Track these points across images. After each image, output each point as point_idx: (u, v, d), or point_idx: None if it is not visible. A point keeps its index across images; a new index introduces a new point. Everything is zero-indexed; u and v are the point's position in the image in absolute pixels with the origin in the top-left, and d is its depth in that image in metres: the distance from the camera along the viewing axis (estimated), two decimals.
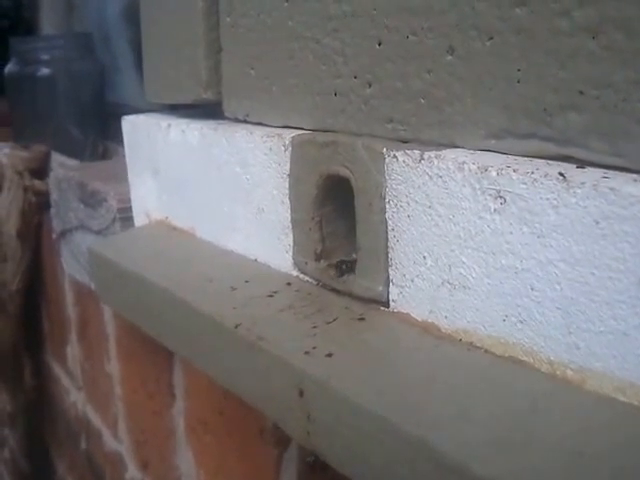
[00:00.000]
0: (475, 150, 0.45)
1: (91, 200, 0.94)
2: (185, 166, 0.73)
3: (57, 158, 1.39)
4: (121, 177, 0.87)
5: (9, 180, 1.30)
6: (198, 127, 0.70)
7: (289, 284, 0.60)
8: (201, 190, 0.71)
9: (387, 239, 0.50)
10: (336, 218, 0.56)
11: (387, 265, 0.50)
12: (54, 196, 1.09)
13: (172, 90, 0.77)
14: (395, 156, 0.48)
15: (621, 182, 0.36)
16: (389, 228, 0.50)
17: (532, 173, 0.39)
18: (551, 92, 0.40)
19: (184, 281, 0.65)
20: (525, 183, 0.40)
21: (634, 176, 0.37)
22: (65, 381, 1.37)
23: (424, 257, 0.47)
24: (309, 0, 0.57)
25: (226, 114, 0.70)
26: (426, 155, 0.46)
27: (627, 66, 0.36)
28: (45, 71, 1.57)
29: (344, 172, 0.52)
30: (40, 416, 1.53)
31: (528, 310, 0.41)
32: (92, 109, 1.60)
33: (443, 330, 0.47)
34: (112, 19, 1.58)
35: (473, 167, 0.43)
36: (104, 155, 1.53)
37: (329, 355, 0.48)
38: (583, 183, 0.37)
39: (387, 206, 0.49)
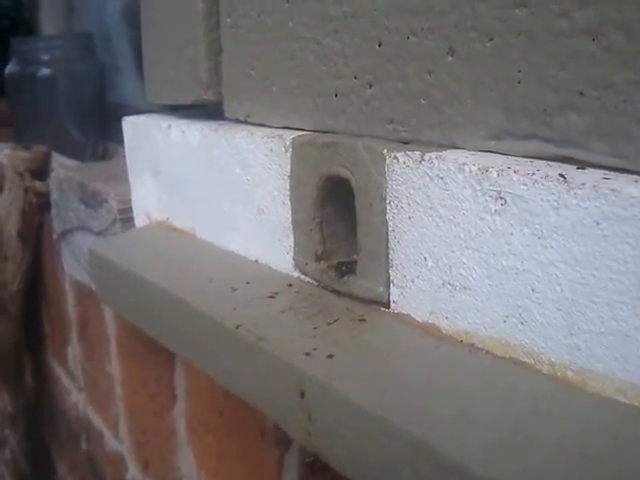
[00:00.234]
0: (475, 151, 0.45)
1: (92, 201, 0.94)
2: (185, 167, 0.73)
3: (57, 159, 1.39)
4: (122, 178, 0.87)
5: (10, 181, 1.30)
6: (198, 128, 0.70)
7: (290, 285, 0.60)
8: (201, 191, 0.71)
9: (388, 240, 0.50)
10: (337, 219, 0.56)
11: (388, 266, 0.50)
12: (55, 197, 1.09)
13: (172, 91, 0.77)
14: (396, 157, 0.48)
15: (622, 183, 0.36)
16: (390, 229, 0.50)
17: (533, 174, 0.39)
18: (551, 93, 0.40)
19: (185, 282, 0.65)
20: (526, 184, 0.40)
21: (634, 177, 0.37)
22: (66, 382, 1.37)
23: (425, 258, 0.47)
24: (309, 1, 0.57)
25: (227, 115, 0.70)
26: (427, 156, 0.46)
27: (627, 67, 0.36)
28: (45, 71, 1.57)
29: (345, 173, 0.52)
30: (41, 417, 1.53)
31: (529, 311, 0.41)
32: (92, 109, 1.60)
33: (444, 331, 0.47)
34: (112, 19, 1.58)
35: (474, 168, 0.43)
36: (104, 155, 1.53)
37: (330, 356, 0.48)
38: (583, 184, 0.37)
39: (388, 207, 0.49)
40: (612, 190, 0.36)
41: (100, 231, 0.92)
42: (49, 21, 2.00)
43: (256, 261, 0.65)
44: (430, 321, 0.48)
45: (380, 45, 0.51)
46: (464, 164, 0.43)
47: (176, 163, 0.74)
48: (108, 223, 0.90)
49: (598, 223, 0.37)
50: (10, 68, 1.62)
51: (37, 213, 1.31)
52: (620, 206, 0.35)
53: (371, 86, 0.53)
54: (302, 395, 0.47)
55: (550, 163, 0.41)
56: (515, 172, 0.40)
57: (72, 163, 1.33)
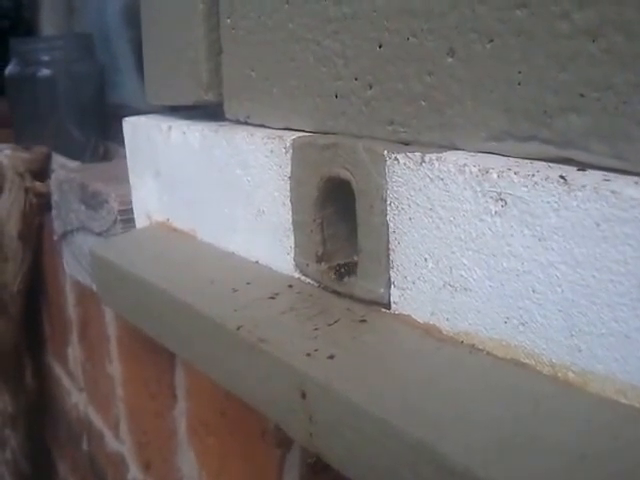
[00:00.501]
0: (476, 152, 0.46)
1: (92, 201, 0.94)
2: (186, 168, 0.73)
3: (58, 159, 1.39)
4: (122, 178, 0.87)
5: (10, 181, 1.30)
6: (199, 129, 0.70)
7: (290, 286, 0.60)
8: (202, 192, 0.71)
9: (388, 241, 0.50)
10: (337, 220, 0.56)
11: (388, 267, 0.50)
12: (55, 197, 1.09)
13: (173, 92, 0.77)
14: (396, 158, 0.48)
15: (622, 185, 0.36)
16: (390, 230, 0.50)
17: (533, 176, 0.39)
18: (551, 94, 0.40)
19: (185, 283, 0.65)
20: (526, 186, 0.40)
21: (635, 178, 0.37)
22: (66, 382, 1.37)
23: (425, 259, 0.47)
24: (309, 2, 0.57)
25: (227, 116, 0.71)
26: (427, 157, 0.46)
27: (627, 69, 0.37)
28: (45, 72, 1.57)
29: (345, 174, 0.52)
30: (41, 417, 1.53)
31: (529, 312, 0.41)
32: (93, 110, 1.60)
33: (444, 332, 0.47)
34: (112, 19, 1.58)
35: (474, 169, 0.43)
36: (105, 156, 1.53)
37: (331, 357, 0.48)
38: (584, 186, 0.37)
39: (388, 208, 0.49)
40: (612, 192, 0.36)
41: (101, 232, 0.92)
42: (49, 21, 2.00)
43: (257, 262, 0.65)
44: (431, 322, 0.48)
45: (380, 46, 0.51)
46: (464, 165, 0.43)
47: (176, 164, 0.74)
48: (109, 224, 0.90)
49: (598, 224, 0.37)
50: (10, 69, 1.62)
51: (37, 214, 1.31)
52: (620, 208, 0.35)
53: (371, 87, 0.53)
54: (303, 396, 0.47)
55: (550, 164, 0.41)
56: (515, 173, 0.40)
57: (72, 164, 1.33)
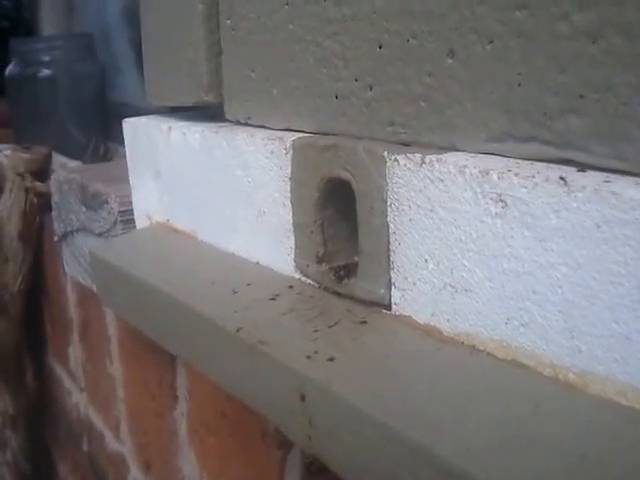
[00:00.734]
0: (476, 153, 0.45)
1: (92, 202, 0.94)
2: (186, 169, 0.73)
3: (58, 159, 1.39)
4: (122, 179, 0.87)
5: (10, 181, 1.30)
6: (199, 130, 0.70)
7: (291, 287, 0.60)
8: (202, 193, 0.71)
9: (389, 242, 0.50)
10: (338, 221, 0.56)
11: (389, 268, 0.50)
12: (55, 198, 1.09)
13: (173, 92, 0.77)
14: (396, 159, 0.48)
15: (622, 186, 0.36)
16: (391, 231, 0.50)
17: (533, 177, 0.39)
18: (551, 95, 0.40)
19: (185, 284, 0.65)
20: (526, 187, 0.40)
21: (635, 179, 0.37)
22: (67, 383, 1.37)
23: (426, 260, 0.47)
24: (309, 3, 0.57)
25: (227, 116, 0.71)
26: (427, 159, 0.46)
27: (627, 70, 0.36)
28: (46, 72, 1.58)
29: (345, 175, 0.52)
30: (42, 418, 1.53)
31: (530, 313, 0.41)
32: (93, 110, 1.60)
33: (445, 333, 0.47)
34: (112, 19, 1.58)
35: (474, 171, 0.43)
36: (105, 156, 1.53)
37: (331, 359, 0.48)
38: (584, 187, 0.37)
39: (389, 209, 0.49)
40: (613, 193, 0.36)
41: (101, 232, 0.92)
42: (49, 21, 2.00)
43: (257, 263, 0.65)
44: (431, 323, 0.48)
45: (380, 47, 0.51)
46: (464, 167, 0.43)
47: (177, 165, 0.74)
48: (109, 225, 0.90)
49: (599, 226, 0.37)
50: (10, 69, 1.62)
51: (38, 214, 1.31)
52: (621, 209, 0.35)
53: (371, 88, 0.53)
54: (303, 398, 0.47)
55: (550, 166, 0.41)
56: (515, 175, 0.40)
57: (73, 164, 1.33)
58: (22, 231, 1.31)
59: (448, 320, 0.47)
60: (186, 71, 0.73)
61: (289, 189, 0.59)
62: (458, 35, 0.45)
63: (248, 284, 0.62)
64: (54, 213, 1.11)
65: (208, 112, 0.76)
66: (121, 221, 0.88)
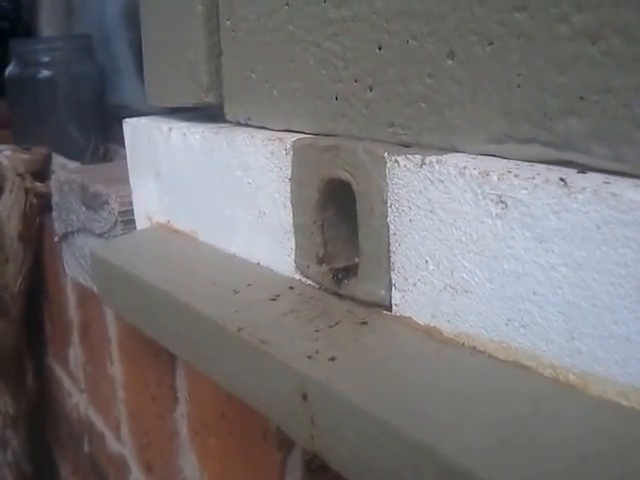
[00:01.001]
0: (476, 155, 0.46)
1: (93, 203, 0.94)
2: (186, 169, 0.73)
3: (58, 160, 1.39)
4: (123, 179, 0.87)
5: (10, 182, 1.30)
6: (199, 130, 0.70)
7: (291, 288, 0.60)
8: (203, 193, 0.71)
9: (389, 243, 0.50)
10: (338, 222, 0.56)
11: (389, 269, 0.50)
12: (55, 198, 1.09)
13: (173, 93, 0.77)
14: (396, 160, 0.48)
15: (622, 187, 0.36)
16: (391, 232, 0.50)
17: (533, 178, 0.39)
18: (551, 97, 0.41)
19: (186, 284, 0.65)
20: (526, 188, 0.40)
21: (635, 181, 0.37)
22: (67, 383, 1.37)
23: (426, 261, 0.47)
24: (309, 4, 0.57)
25: (227, 117, 0.71)
26: (427, 160, 0.46)
27: (627, 72, 0.37)
28: (45, 73, 1.58)
29: (345, 176, 0.52)
30: (43, 419, 1.53)
31: (530, 314, 0.41)
32: (93, 111, 1.61)
33: (445, 334, 0.47)
34: (112, 20, 1.58)
35: (474, 172, 0.43)
36: (105, 157, 1.53)
37: (332, 359, 0.48)
38: (584, 188, 0.37)
39: (389, 210, 0.49)
40: (613, 194, 0.36)
41: (101, 233, 0.93)
42: (48, 22, 2.00)
43: (258, 264, 0.66)
44: (432, 324, 0.48)
45: (380, 48, 0.51)
46: (465, 168, 0.43)
47: (177, 165, 0.75)
48: (109, 225, 0.90)
49: (599, 227, 0.37)
50: (10, 69, 1.63)
51: (38, 215, 1.31)
52: (621, 210, 0.36)
53: (371, 89, 0.53)
54: (304, 398, 0.47)
55: (551, 167, 0.41)
56: (516, 176, 0.40)
57: (73, 164, 1.33)
58: (22, 232, 1.31)
59: (448, 321, 0.47)
60: (186, 72, 0.73)
61: (289, 190, 0.59)
62: (458, 36, 0.45)
63: (249, 285, 0.62)
64: (54, 214, 1.11)
65: (208, 113, 0.76)
66: (121, 221, 0.88)
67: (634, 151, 0.37)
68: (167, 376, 0.87)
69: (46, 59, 1.58)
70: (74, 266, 1.07)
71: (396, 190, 0.48)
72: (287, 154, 0.58)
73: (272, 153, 0.60)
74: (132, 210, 0.86)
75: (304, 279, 0.60)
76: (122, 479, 1.10)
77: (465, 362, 0.45)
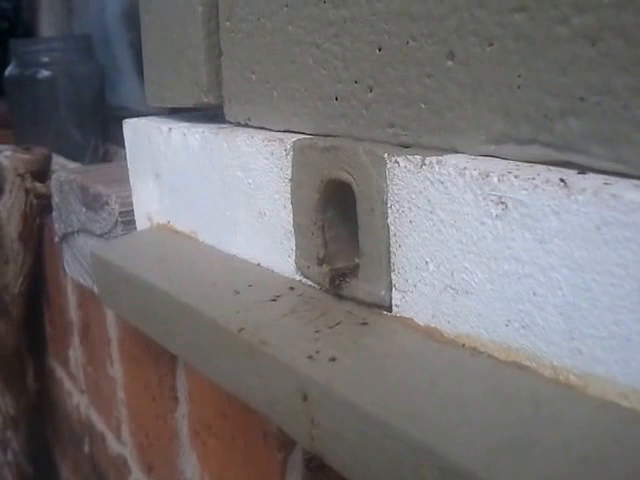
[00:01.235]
0: (476, 155, 0.46)
1: (93, 203, 0.94)
2: (187, 170, 0.73)
3: (58, 160, 1.39)
4: (123, 180, 0.88)
5: (11, 182, 1.30)
6: (199, 131, 0.70)
7: (292, 288, 0.60)
8: (203, 194, 0.71)
9: (389, 244, 0.50)
10: (338, 223, 0.56)
11: (389, 270, 0.51)
12: (56, 199, 1.09)
13: (173, 94, 0.77)
14: (397, 161, 0.48)
15: (622, 188, 0.36)
16: (391, 233, 0.50)
17: (533, 179, 0.39)
18: (551, 98, 0.41)
19: (187, 285, 0.65)
20: (526, 189, 0.40)
21: (635, 182, 0.37)
22: (68, 384, 1.38)
23: (426, 262, 0.47)
24: (308, 5, 0.57)
25: (227, 118, 0.71)
26: (427, 160, 0.46)
27: (627, 73, 0.37)
28: (45, 73, 1.58)
29: (346, 177, 0.52)
30: (43, 419, 1.53)
31: (531, 315, 0.41)
32: (93, 111, 1.61)
33: (446, 335, 0.47)
34: (111, 21, 1.58)
35: (474, 173, 0.43)
36: (105, 157, 1.53)
37: (332, 359, 0.48)
38: (584, 189, 0.37)
39: (389, 211, 0.49)
40: (613, 195, 0.36)
41: (102, 234, 0.93)
42: (48, 23, 2.00)
43: (258, 264, 0.66)
44: (432, 325, 0.48)
45: (380, 49, 0.51)
46: (465, 169, 0.43)
47: (177, 166, 0.75)
48: (110, 225, 0.90)
49: (599, 228, 0.37)
50: (10, 70, 1.63)
51: (38, 215, 1.31)
52: (621, 211, 0.36)
53: (371, 90, 0.53)
54: (305, 398, 0.47)
55: (551, 168, 0.41)
56: (516, 177, 0.40)
57: (73, 165, 1.34)
58: (22, 232, 1.32)
59: (449, 322, 0.47)
60: (186, 72, 0.73)
61: (289, 190, 0.59)
62: (458, 37, 0.45)
63: (249, 285, 0.62)
64: (54, 214, 1.11)
65: (208, 113, 0.76)
66: (122, 222, 0.88)
67: (634, 152, 0.37)
68: (167, 376, 0.87)
69: (46, 59, 1.58)
70: (74, 266, 1.07)
71: (396, 191, 0.48)
72: (287, 155, 0.58)
73: (272, 154, 0.60)
74: (132, 211, 0.86)
75: (304, 280, 0.60)
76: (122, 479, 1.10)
77: (465, 363, 0.45)
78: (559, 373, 0.40)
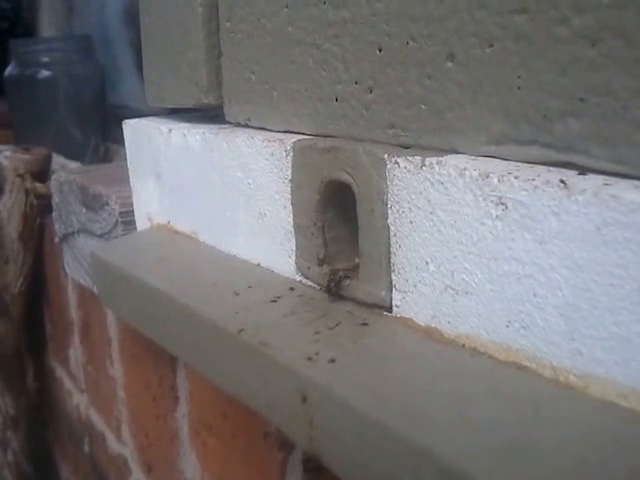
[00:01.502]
0: (476, 156, 0.46)
1: (93, 203, 0.94)
2: (187, 170, 0.73)
3: (58, 160, 1.39)
4: (123, 180, 0.87)
5: (11, 183, 1.30)
6: (199, 131, 0.70)
7: (292, 289, 0.60)
8: (203, 194, 0.71)
9: (389, 245, 0.50)
10: (338, 223, 0.56)
11: (389, 270, 0.51)
12: (56, 199, 1.09)
13: (173, 94, 0.77)
14: (397, 162, 0.48)
15: (622, 189, 0.36)
16: (391, 234, 0.50)
17: (533, 180, 0.39)
18: (551, 99, 0.41)
19: (187, 286, 0.65)
20: (526, 190, 0.40)
21: (635, 182, 0.37)
22: (68, 384, 1.37)
23: (426, 263, 0.47)
24: (309, 5, 0.57)
25: (227, 118, 0.71)
26: (427, 161, 0.46)
27: (626, 74, 0.37)
28: (45, 73, 1.58)
29: (346, 178, 0.52)
30: (43, 419, 1.53)
31: (531, 316, 0.41)
32: (93, 111, 1.61)
33: (446, 335, 0.47)
34: (112, 21, 1.58)
35: (474, 173, 0.43)
36: (105, 157, 1.53)
37: (332, 361, 0.48)
38: (584, 190, 0.37)
39: (389, 212, 0.49)
40: (613, 196, 0.36)
41: (102, 234, 0.93)
42: (48, 23, 2.00)
43: (258, 265, 0.66)
44: (432, 325, 0.48)
45: (380, 50, 0.51)
46: (465, 169, 0.43)
47: (177, 166, 0.75)
48: (110, 226, 0.90)
49: (599, 229, 0.37)
50: (10, 70, 1.63)
51: (38, 215, 1.31)
52: (621, 212, 0.36)
53: (371, 91, 0.53)
54: (304, 400, 0.47)
55: (551, 169, 0.41)
56: (516, 178, 0.40)
57: (73, 164, 1.33)
58: (22, 232, 1.32)
59: (449, 322, 0.47)
60: (186, 73, 0.73)
61: (289, 191, 0.59)
62: (458, 38, 0.45)
63: (249, 286, 0.62)
64: (54, 214, 1.11)
65: (208, 114, 0.76)
66: (122, 222, 0.88)
67: (634, 153, 0.37)
68: (168, 376, 0.87)
69: (46, 59, 1.58)
70: (74, 267, 1.07)
71: (396, 191, 0.48)
72: (287, 155, 0.58)
73: (272, 154, 0.60)
74: (132, 211, 0.86)
75: (305, 280, 0.60)
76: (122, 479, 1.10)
77: (465, 363, 0.45)
78: (559, 374, 0.40)
